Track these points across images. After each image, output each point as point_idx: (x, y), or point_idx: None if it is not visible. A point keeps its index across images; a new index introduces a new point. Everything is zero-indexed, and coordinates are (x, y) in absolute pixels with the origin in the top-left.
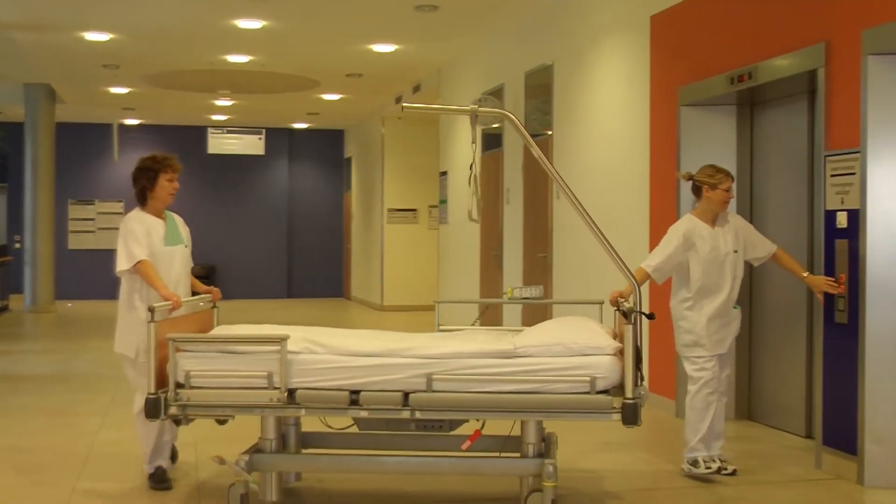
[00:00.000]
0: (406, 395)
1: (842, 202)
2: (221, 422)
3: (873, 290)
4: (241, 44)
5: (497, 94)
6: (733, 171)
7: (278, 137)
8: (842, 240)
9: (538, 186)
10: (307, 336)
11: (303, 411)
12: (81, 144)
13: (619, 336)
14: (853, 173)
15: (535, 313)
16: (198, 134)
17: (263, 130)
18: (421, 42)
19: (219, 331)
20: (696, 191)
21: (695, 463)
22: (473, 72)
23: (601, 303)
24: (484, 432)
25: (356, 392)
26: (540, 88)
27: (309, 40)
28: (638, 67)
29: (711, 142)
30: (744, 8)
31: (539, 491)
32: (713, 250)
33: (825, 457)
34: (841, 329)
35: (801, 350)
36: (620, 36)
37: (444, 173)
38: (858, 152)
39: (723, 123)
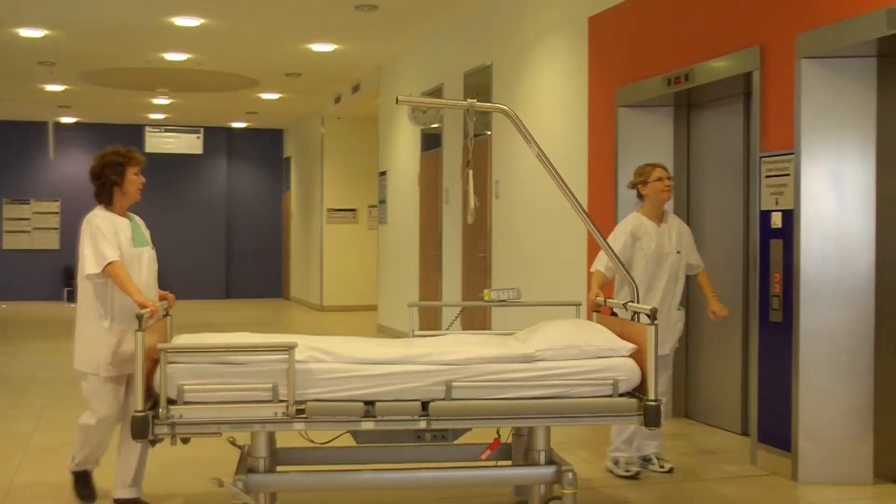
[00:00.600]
0: (423, 404)
1: (776, 203)
2: (185, 440)
3: (807, 289)
4: (178, 41)
5: (436, 94)
6: (670, 172)
7: (217, 136)
8: (776, 240)
9: (477, 186)
10: (310, 344)
11: (313, 425)
12: (16, 143)
13: (624, 337)
14: (787, 174)
15: (507, 315)
16: (135, 132)
17: (201, 129)
18: (360, 42)
19: (186, 340)
20: (638, 194)
21: (616, 462)
22: (413, 72)
23: (578, 304)
24: (474, 440)
25: (369, 402)
26: (479, 89)
27: (247, 39)
28: (576, 68)
29: (649, 142)
30: (681, 10)
31: (558, 499)
32: (658, 248)
33: (760, 454)
34: (776, 328)
35: (737, 349)
36: (559, 37)
37: (383, 173)
38: (792, 154)
39: (660, 124)
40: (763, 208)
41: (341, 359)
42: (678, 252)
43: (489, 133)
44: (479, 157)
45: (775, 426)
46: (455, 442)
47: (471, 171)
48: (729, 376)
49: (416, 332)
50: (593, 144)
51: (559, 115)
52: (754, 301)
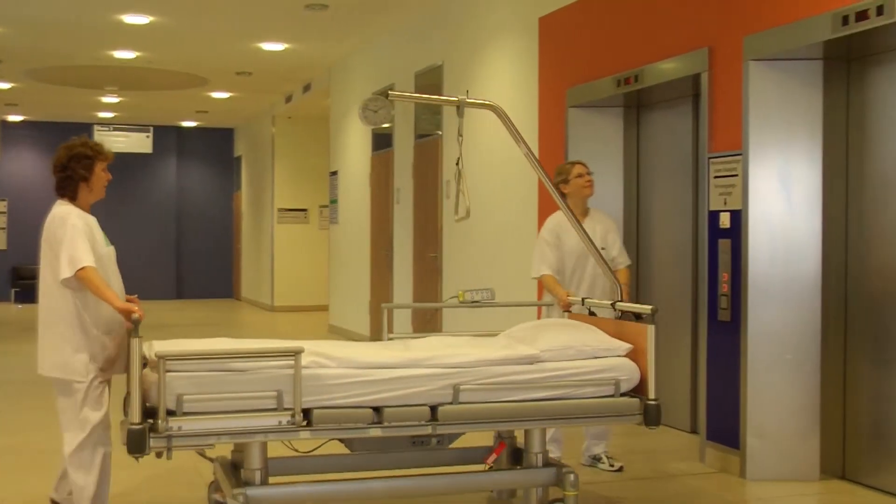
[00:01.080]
0: (432, 408)
1: (725, 203)
2: (160, 453)
3: (755, 288)
4: (127, 39)
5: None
6: (620, 172)
7: (166, 135)
8: (725, 239)
9: (428, 186)
10: (311, 349)
11: (319, 433)
12: None
13: (612, 336)
14: (735, 175)
15: (471, 316)
16: (84, 131)
17: (151, 128)
18: (311, 41)
19: (170, 347)
20: (563, 194)
21: (599, 459)
22: (364, 71)
23: (550, 304)
24: (456, 445)
25: (376, 409)
26: (430, 88)
27: (197, 37)
28: (527, 68)
29: (599, 143)
30: (631, 11)
31: (560, 500)
32: (579, 243)
33: (709, 451)
34: (724, 327)
35: (686, 348)
36: (510, 37)
37: (334, 173)
38: (740, 154)
39: (610, 125)
40: (711, 208)
41: (345, 363)
42: (602, 248)
43: (440, 133)
44: (429, 158)
45: (724, 424)
46: (450, 445)
47: (460, 169)
48: (678, 375)
49: (391, 336)
50: (544, 144)
51: (510, 115)
52: (703, 300)
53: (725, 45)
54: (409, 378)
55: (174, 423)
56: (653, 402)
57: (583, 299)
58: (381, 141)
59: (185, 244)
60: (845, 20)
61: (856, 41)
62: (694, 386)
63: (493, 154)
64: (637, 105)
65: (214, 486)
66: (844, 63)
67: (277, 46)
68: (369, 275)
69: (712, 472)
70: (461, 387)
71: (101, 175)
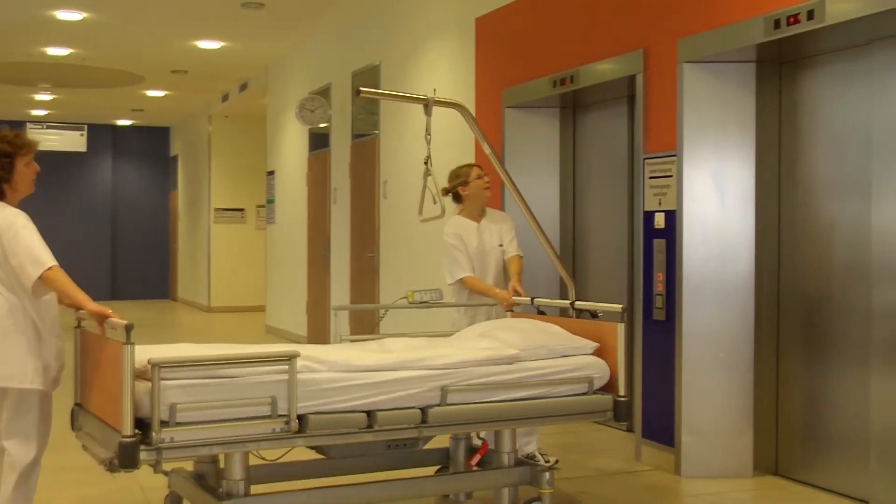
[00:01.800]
0: (422, 410)
1: (659, 203)
2: (113, 470)
3: (689, 287)
4: (60, 36)
5: (324, 93)
6: (556, 172)
7: (101, 134)
8: (660, 239)
9: (365, 186)
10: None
11: (313, 440)
12: None
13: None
14: (670, 175)
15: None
16: (16, 129)
17: (85, 126)
18: (247, 40)
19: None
20: (457, 197)
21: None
22: (301, 71)
23: (493, 304)
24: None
25: (368, 413)
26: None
27: (132, 34)
28: (464, 69)
29: (535, 143)
30: (567, 12)
31: (538, 500)
32: (480, 245)
33: (645, 449)
34: (659, 326)
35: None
36: (447, 37)
37: (271, 173)
38: (675, 155)
39: (546, 125)
40: (647, 209)
41: (336, 367)
42: (500, 245)
43: (377, 132)
44: (366, 158)
45: (659, 422)
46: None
47: (429, 168)
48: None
49: (344, 337)
50: (480, 145)
51: (446, 116)
52: (638, 300)
53: (660, 47)
54: (400, 381)
55: (166, 435)
56: (623, 399)
57: (532, 298)
58: (318, 141)
59: (121, 244)
60: (777, 24)
61: (787, 44)
62: (629, 385)
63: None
64: (573, 106)
65: (172, 499)
66: (777, 66)
67: (214, 45)
68: (306, 275)
69: (648, 470)
70: (449, 388)
71: (24, 171)
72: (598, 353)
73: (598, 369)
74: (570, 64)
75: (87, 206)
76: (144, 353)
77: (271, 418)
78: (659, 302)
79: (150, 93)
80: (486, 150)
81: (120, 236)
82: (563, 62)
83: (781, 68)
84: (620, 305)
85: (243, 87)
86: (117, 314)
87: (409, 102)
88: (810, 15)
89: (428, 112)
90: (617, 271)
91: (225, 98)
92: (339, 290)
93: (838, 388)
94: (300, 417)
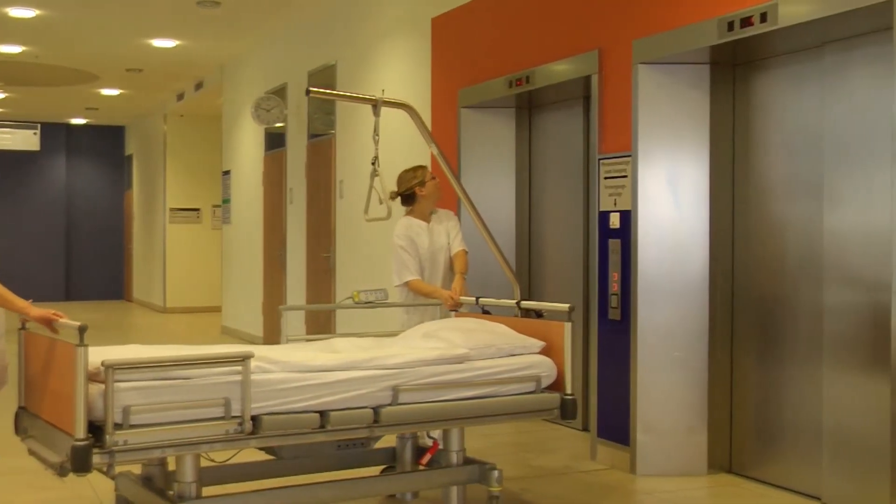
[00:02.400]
0: (374, 410)
1: (615, 203)
2: (63, 474)
3: (644, 287)
4: (12, 33)
5: (280, 93)
6: (511, 172)
7: (55, 133)
8: (615, 239)
9: (321, 186)
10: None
11: (267, 441)
12: None
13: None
14: (625, 176)
15: (364, 317)
16: None
17: (38, 125)
18: (203, 38)
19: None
20: (409, 199)
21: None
22: (257, 70)
23: (438, 304)
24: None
25: (321, 413)
26: (323, 88)
27: (86, 32)
28: (419, 69)
29: (491, 143)
30: (522, 13)
31: (496, 498)
32: (431, 244)
33: (600, 448)
34: (614, 325)
35: (577, 346)
36: (403, 37)
37: (226, 173)
38: (630, 156)
39: (502, 125)
40: (602, 209)
41: (288, 367)
42: (449, 244)
43: (333, 132)
44: (322, 157)
45: (614, 421)
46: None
47: (377, 169)
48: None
49: (290, 338)
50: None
51: (402, 116)
52: (594, 300)
53: (615, 48)
54: (352, 381)
55: (120, 437)
56: (570, 397)
57: (477, 298)
58: (274, 140)
59: (75, 244)
60: (731, 26)
61: (741, 46)
62: (585, 384)
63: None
64: (529, 106)
65: (123, 502)
66: (730, 67)
67: (168, 43)
68: (262, 275)
69: (603, 469)
70: (400, 388)
71: None
72: (545, 352)
73: (545, 368)
74: (525, 64)
75: (41, 206)
76: (97, 354)
77: (225, 419)
78: (614, 301)
79: (105, 91)
80: (434, 150)
81: (74, 237)
82: (518, 62)
83: (735, 70)
84: (567, 305)
85: (199, 86)
86: (65, 315)
87: (358, 103)
88: (763, 18)
89: (376, 112)
90: (572, 271)
91: (180, 97)
92: (295, 290)
93: (791, 386)
94: (253, 418)
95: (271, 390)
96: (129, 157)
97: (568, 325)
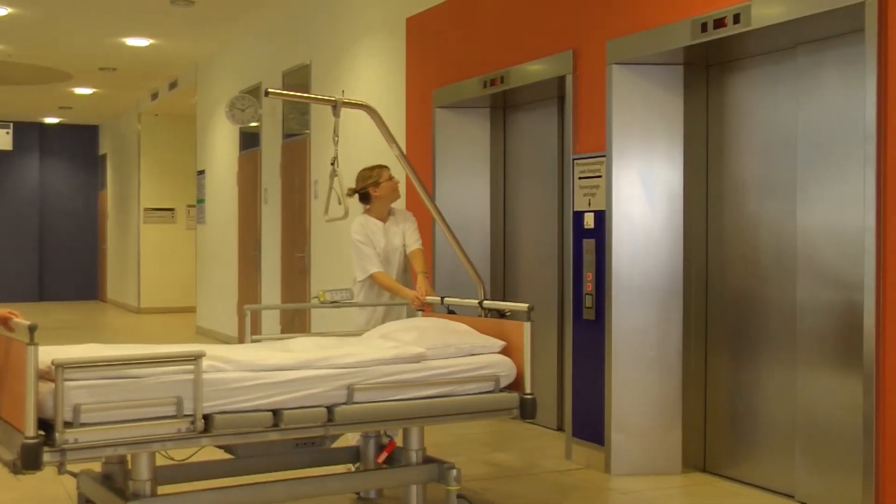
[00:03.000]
0: (328, 409)
1: (589, 203)
2: (17, 472)
3: (618, 287)
4: None
5: (254, 92)
6: (486, 172)
7: (28, 132)
8: (589, 240)
9: (296, 186)
10: (207, 352)
11: (219, 439)
12: None
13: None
14: (599, 176)
15: (339, 316)
16: None
17: (11, 124)
18: (177, 37)
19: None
20: (366, 198)
21: None
22: (231, 69)
23: (405, 303)
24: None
25: (275, 411)
26: (298, 88)
27: (59, 30)
28: (394, 69)
29: (466, 143)
30: (497, 13)
31: (463, 497)
32: (386, 244)
33: (575, 448)
34: (589, 325)
35: (552, 346)
36: (377, 37)
37: (201, 172)
38: (604, 156)
39: (477, 125)
40: (576, 209)
41: (242, 366)
42: (404, 245)
43: (308, 132)
44: (297, 157)
45: (589, 421)
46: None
47: (336, 170)
48: (545, 373)
49: (254, 337)
50: (411, 144)
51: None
52: (568, 300)
53: (589, 49)
54: (305, 380)
55: (70, 436)
56: (529, 396)
57: (442, 298)
58: (249, 140)
59: (48, 244)
60: (704, 27)
61: (714, 47)
62: (560, 384)
63: (364, 156)
64: (503, 106)
65: (81, 501)
66: (704, 68)
67: (142, 42)
68: (237, 275)
69: (578, 469)
70: (355, 387)
71: None
72: (505, 351)
73: (504, 367)
74: (500, 64)
75: (14, 205)
76: (49, 353)
77: (177, 418)
78: (588, 301)
79: (78, 90)
80: (395, 151)
81: (47, 236)
82: (493, 63)
83: (709, 71)
84: (526, 304)
85: (173, 85)
86: (20, 314)
87: (318, 103)
88: (736, 19)
89: (336, 113)
90: (547, 271)
91: (154, 96)
92: (270, 290)
93: (765, 385)
94: (206, 417)
95: (224, 389)
96: (103, 157)
97: (527, 325)
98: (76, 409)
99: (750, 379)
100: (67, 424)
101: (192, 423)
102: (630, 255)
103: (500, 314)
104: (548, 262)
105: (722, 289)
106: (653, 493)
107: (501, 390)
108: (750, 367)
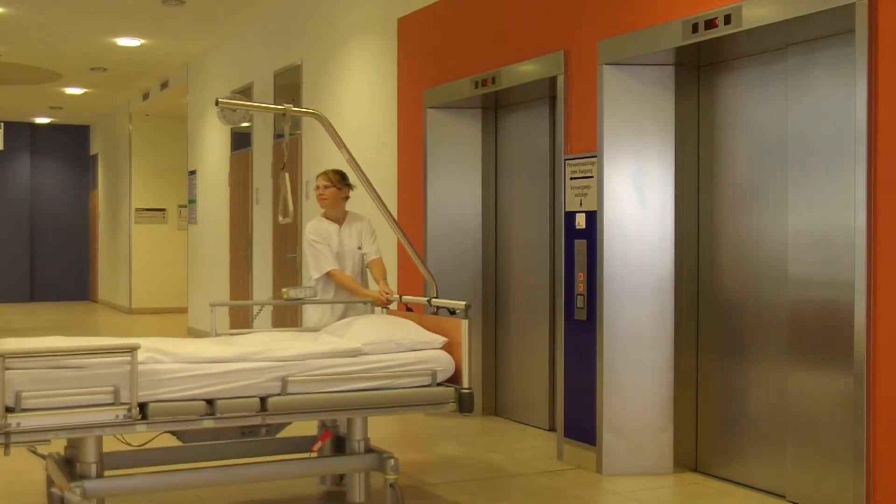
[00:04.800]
0: (262, 400)
1: (580, 204)
2: None
3: (610, 287)
4: None
5: (246, 92)
6: (478, 173)
7: (19, 132)
8: (580, 240)
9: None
10: (148, 345)
11: (155, 426)
12: None
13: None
14: (591, 176)
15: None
16: None
17: (2, 124)
18: (168, 37)
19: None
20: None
21: None
22: (222, 69)
23: (367, 301)
24: (285, 434)
25: (209, 401)
26: (289, 88)
27: (50, 30)
28: (386, 69)
29: (457, 144)
30: (488, 13)
31: (392, 487)
32: (340, 246)
33: (567, 448)
34: (580, 325)
35: (544, 347)
36: (369, 37)
37: (192, 172)
38: (595, 156)
39: (468, 126)
40: (567, 209)
41: (179, 359)
42: (359, 248)
43: (299, 132)
44: (289, 157)
45: (581, 421)
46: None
47: (286, 174)
48: (536, 374)
49: (219, 332)
50: (402, 145)
51: (369, 116)
52: (560, 300)
53: (580, 49)
54: (239, 371)
55: (13, 420)
56: (466, 391)
57: (400, 297)
58: (240, 140)
59: (39, 245)
60: (695, 28)
61: (705, 48)
62: (552, 385)
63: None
64: (495, 106)
65: (48, 482)
66: (695, 69)
67: (133, 42)
68: (228, 276)
69: (569, 469)
70: (289, 379)
71: None
72: (447, 347)
73: (441, 363)
74: (491, 65)
75: (4, 205)
76: (3, 344)
77: (114, 406)
78: (580, 302)
79: (69, 90)
80: (345, 156)
81: (38, 237)
82: (484, 63)
83: (700, 71)
84: (463, 302)
85: (164, 85)
86: None
87: (267, 112)
88: (727, 20)
89: (286, 121)
90: (539, 272)
91: (146, 96)
92: (262, 290)
93: (756, 384)
94: (142, 405)
95: (160, 379)
96: (94, 157)
97: (464, 322)
98: (18, 396)
99: (741, 379)
100: (9, 409)
101: (129, 410)
102: (622, 256)
103: (451, 311)
104: (539, 262)
105: (713, 288)
106: (644, 493)
107: (440, 384)
108: (741, 367)
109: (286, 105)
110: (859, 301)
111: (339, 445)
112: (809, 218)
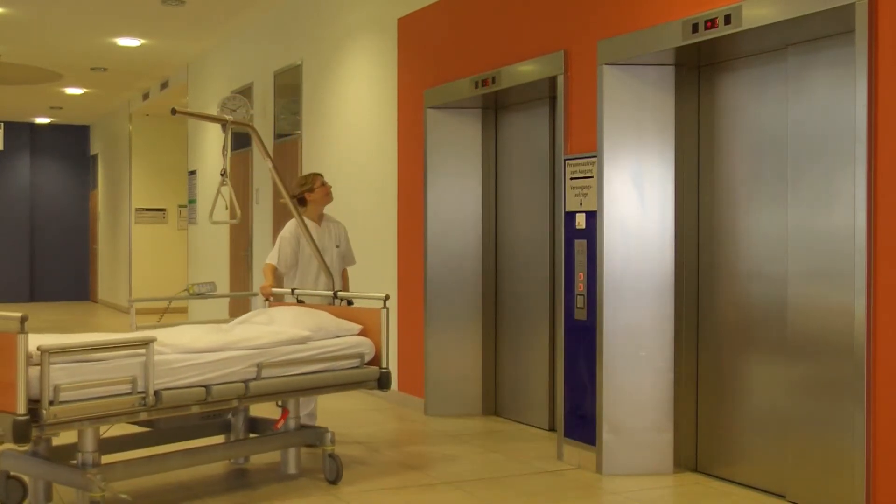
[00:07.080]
0: (245, 384)
1: (580, 204)
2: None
3: (610, 287)
4: None
5: (246, 92)
6: (478, 173)
7: (19, 132)
8: (580, 240)
9: (287, 186)
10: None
11: (165, 412)
12: None
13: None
14: (591, 176)
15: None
16: None
17: (2, 124)
18: (168, 37)
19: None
20: (301, 201)
21: None
22: (222, 69)
23: (255, 294)
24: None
25: (206, 387)
26: (289, 88)
27: (50, 30)
28: (386, 69)
29: (457, 144)
30: (488, 14)
31: (332, 457)
32: (319, 244)
33: (566, 448)
34: (581, 325)
35: (544, 347)
36: (369, 37)
37: (192, 172)
38: (595, 156)
39: (468, 126)
40: (568, 209)
41: (178, 349)
42: (337, 246)
43: (299, 132)
44: (289, 158)
45: (580, 421)
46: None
47: (226, 180)
48: (536, 374)
49: (138, 326)
50: (402, 145)
51: (369, 116)
52: (560, 300)
53: (580, 49)
54: (227, 359)
55: (52, 412)
56: (385, 370)
57: (293, 290)
58: (240, 140)
59: (39, 245)
60: (695, 28)
61: (705, 48)
62: (552, 385)
63: (357, 156)
64: (495, 106)
65: (4, 476)
66: (695, 69)
67: (133, 42)
68: (228, 276)
69: (569, 469)
70: (263, 364)
71: None
72: (363, 333)
73: (366, 347)
74: (491, 65)
75: (5, 206)
76: (32, 341)
77: (132, 395)
78: (580, 302)
79: (69, 90)
80: (269, 165)
81: (38, 237)
82: (485, 63)
83: (700, 71)
84: (383, 294)
85: (164, 85)
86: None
87: (212, 122)
88: (727, 20)
89: (225, 131)
90: (539, 271)
91: (146, 96)
92: None
93: (756, 385)
94: (157, 393)
95: (167, 369)
96: (94, 157)
97: (383, 311)
98: (56, 389)
99: (742, 379)
100: (51, 403)
101: (145, 398)
102: (622, 256)
103: (349, 303)
104: (539, 262)
105: (713, 289)
106: (644, 493)
107: (364, 365)
108: (742, 367)
109: (227, 116)
110: (859, 301)
111: (253, 426)
112: (809, 218)
